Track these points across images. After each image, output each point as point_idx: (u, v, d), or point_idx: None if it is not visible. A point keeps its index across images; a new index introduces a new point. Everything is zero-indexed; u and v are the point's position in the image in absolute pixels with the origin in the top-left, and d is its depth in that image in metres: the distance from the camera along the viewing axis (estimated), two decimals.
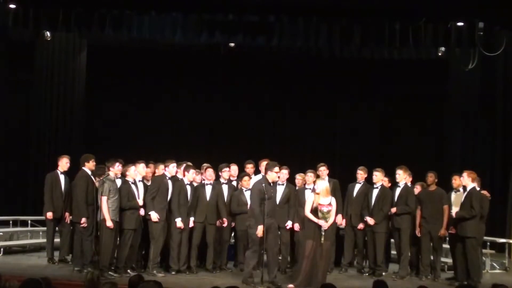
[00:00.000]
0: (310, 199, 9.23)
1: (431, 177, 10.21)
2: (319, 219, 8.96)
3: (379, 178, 10.31)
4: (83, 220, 9.60)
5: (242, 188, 10.24)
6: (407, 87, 15.35)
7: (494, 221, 12.25)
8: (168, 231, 9.76)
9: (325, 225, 8.96)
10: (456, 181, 10.12)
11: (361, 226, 10.35)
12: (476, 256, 9.72)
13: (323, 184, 9.34)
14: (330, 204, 9.07)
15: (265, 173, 9.49)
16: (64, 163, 10.64)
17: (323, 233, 8.95)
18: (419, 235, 10.12)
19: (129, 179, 9.56)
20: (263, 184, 9.20)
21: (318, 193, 9.17)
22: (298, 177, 10.63)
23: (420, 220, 10.12)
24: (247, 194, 10.02)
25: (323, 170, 10.48)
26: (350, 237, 10.50)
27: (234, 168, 10.71)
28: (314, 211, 9.09)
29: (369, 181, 10.57)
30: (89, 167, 9.92)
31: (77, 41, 14.70)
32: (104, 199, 9.17)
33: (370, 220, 10.19)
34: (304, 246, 9.14)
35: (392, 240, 10.57)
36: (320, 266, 9.01)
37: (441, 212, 10.01)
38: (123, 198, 9.40)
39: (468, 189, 9.72)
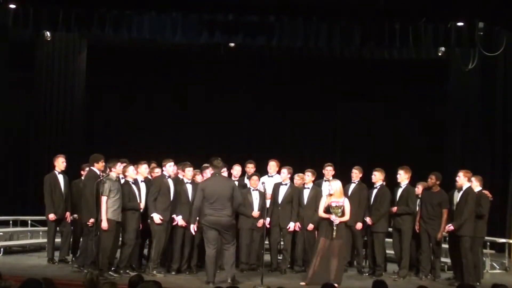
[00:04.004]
0: (323, 200, 9.41)
1: (431, 179, 10.12)
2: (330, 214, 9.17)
3: (378, 178, 10.28)
4: (92, 220, 9.43)
5: (250, 187, 10.25)
6: (407, 87, 15.36)
7: (494, 221, 12.21)
8: (170, 231, 9.76)
9: (335, 219, 9.08)
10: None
11: (359, 226, 10.31)
12: (477, 256, 9.72)
13: (337, 184, 9.44)
14: (341, 202, 9.22)
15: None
16: (60, 163, 10.58)
17: (334, 228, 9.09)
18: (418, 231, 10.11)
19: (129, 179, 9.55)
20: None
21: (331, 194, 9.32)
22: (296, 177, 10.63)
23: (419, 220, 10.12)
24: (254, 194, 10.15)
25: (329, 170, 10.52)
26: (348, 237, 10.47)
27: (237, 168, 10.70)
28: (327, 210, 9.28)
29: (365, 181, 10.56)
30: (98, 167, 9.86)
31: (77, 41, 14.72)
32: (104, 199, 9.15)
33: (369, 220, 10.19)
34: (317, 244, 9.31)
35: (390, 240, 10.55)
36: (333, 265, 9.09)
37: (438, 214, 10.00)
38: (124, 198, 9.38)
39: (464, 188, 9.70)
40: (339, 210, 9.16)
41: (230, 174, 10.45)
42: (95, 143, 14.48)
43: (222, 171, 9.27)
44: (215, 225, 8.95)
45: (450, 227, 9.60)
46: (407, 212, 10.08)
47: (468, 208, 9.53)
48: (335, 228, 9.12)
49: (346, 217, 9.32)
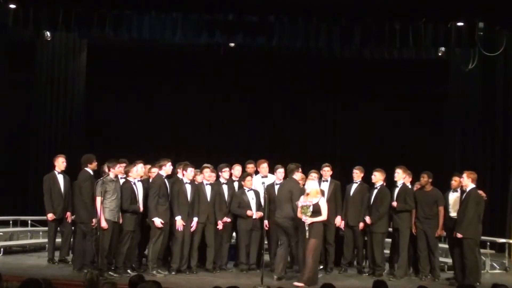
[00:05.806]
0: (300, 201, 9.39)
1: (424, 178, 10.19)
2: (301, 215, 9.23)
3: (378, 178, 10.27)
4: (94, 221, 9.40)
5: (245, 188, 10.26)
6: (407, 87, 15.37)
7: (494, 221, 12.26)
8: (170, 231, 9.75)
9: (306, 219, 9.11)
10: (455, 182, 10.10)
11: (361, 226, 10.32)
12: (474, 256, 9.71)
13: (313, 184, 9.45)
14: (315, 203, 9.19)
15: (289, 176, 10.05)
16: (60, 163, 10.57)
17: (307, 229, 9.12)
18: (414, 233, 10.11)
19: (131, 179, 9.54)
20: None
21: (308, 194, 9.28)
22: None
23: (415, 220, 10.13)
24: (250, 194, 10.15)
25: (327, 170, 10.52)
26: (350, 237, 10.49)
27: (238, 168, 10.70)
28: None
29: (366, 181, 10.56)
30: (92, 168, 9.89)
31: (77, 41, 14.71)
32: (99, 199, 9.14)
33: (368, 220, 10.18)
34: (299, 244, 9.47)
35: (389, 240, 10.55)
36: (307, 263, 9.09)
37: (434, 213, 10.00)
38: (125, 199, 9.37)
39: (467, 189, 9.66)
40: (308, 210, 9.14)
41: (230, 174, 10.48)
42: (95, 143, 14.48)
43: (295, 174, 9.88)
44: (277, 225, 9.67)
45: (459, 235, 9.52)
46: (406, 209, 10.07)
47: (469, 211, 9.51)
48: (307, 228, 9.14)
49: (323, 217, 9.27)
